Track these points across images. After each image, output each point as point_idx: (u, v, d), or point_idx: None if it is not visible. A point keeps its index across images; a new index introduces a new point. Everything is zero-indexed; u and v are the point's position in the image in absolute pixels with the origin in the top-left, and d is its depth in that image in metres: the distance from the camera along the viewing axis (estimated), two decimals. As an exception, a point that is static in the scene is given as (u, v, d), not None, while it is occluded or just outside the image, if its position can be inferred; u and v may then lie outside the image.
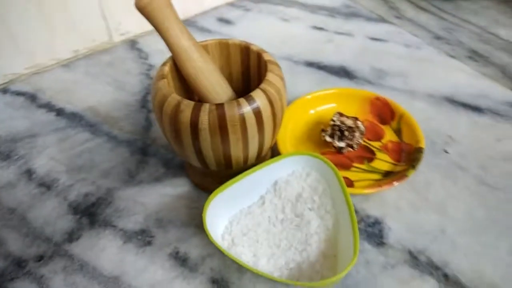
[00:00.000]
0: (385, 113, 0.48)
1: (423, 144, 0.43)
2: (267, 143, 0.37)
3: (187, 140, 0.34)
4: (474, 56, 0.59)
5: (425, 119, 0.48)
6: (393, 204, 0.41)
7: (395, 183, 0.39)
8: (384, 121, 0.48)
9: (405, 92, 0.53)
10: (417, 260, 0.36)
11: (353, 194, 0.40)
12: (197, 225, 0.39)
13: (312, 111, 0.49)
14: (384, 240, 0.38)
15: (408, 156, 0.43)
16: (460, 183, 0.42)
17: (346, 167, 0.43)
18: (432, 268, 0.36)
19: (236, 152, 0.35)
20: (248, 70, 0.41)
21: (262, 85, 0.35)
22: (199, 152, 0.35)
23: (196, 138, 0.34)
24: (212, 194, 0.35)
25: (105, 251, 0.38)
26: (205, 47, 0.40)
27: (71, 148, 0.48)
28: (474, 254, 0.37)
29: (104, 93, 0.54)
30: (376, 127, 0.47)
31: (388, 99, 0.48)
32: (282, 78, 0.37)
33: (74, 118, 0.51)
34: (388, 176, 0.42)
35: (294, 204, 0.37)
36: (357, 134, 0.43)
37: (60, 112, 0.52)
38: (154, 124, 0.50)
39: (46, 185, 0.44)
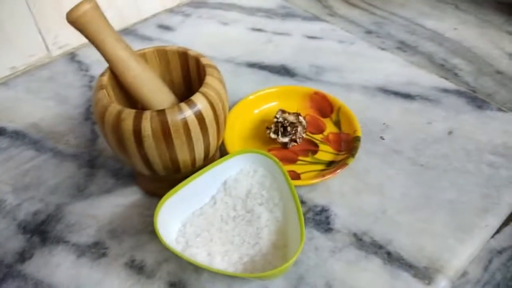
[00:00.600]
0: (324, 107, 0.51)
1: (359, 133, 0.46)
2: (213, 145, 0.39)
3: (132, 148, 0.35)
4: (403, 46, 0.63)
5: (361, 110, 0.51)
6: (337, 191, 0.43)
7: (337, 172, 0.42)
8: (324, 115, 0.50)
9: (341, 86, 0.56)
10: (362, 242, 0.39)
11: (300, 186, 0.42)
12: (151, 231, 0.40)
13: (256, 111, 0.51)
14: (331, 226, 0.40)
15: (347, 145, 0.46)
16: (396, 166, 0.46)
17: (292, 161, 0.46)
18: (376, 247, 0.39)
19: (182, 156, 0.36)
20: (188, 76, 0.42)
21: (202, 89, 0.36)
22: (145, 159, 0.36)
23: (141, 146, 0.35)
24: (162, 200, 0.36)
25: (59, 267, 0.38)
26: (142, 56, 0.40)
27: (16, 167, 0.46)
28: (413, 230, 0.40)
29: (46, 108, 0.53)
30: (317, 120, 0.50)
31: (326, 94, 0.51)
32: (221, 81, 0.38)
33: (17, 137, 0.50)
34: (331, 165, 0.45)
35: (244, 201, 0.39)
36: (299, 128, 0.46)
37: (1, 131, 0.51)
38: (99, 136, 0.50)
39: (-9, 208, 0.43)
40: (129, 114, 0.34)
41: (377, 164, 0.46)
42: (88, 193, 0.44)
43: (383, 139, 0.49)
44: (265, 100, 0.51)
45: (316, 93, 0.51)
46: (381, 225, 0.40)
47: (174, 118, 0.34)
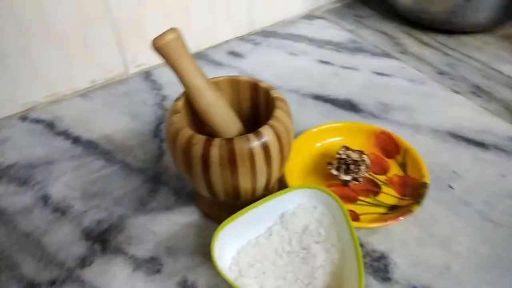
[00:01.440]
0: (390, 147, 0.49)
1: (427, 179, 0.44)
2: (275, 176, 0.39)
3: (198, 171, 0.36)
4: (477, 91, 0.61)
5: (429, 154, 0.49)
6: (399, 239, 0.41)
7: (401, 218, 0.40)
8: (389, 155, 0.49)
9: (409, 126, 0.54)
10: (421, 295, 0.37)
11: (359, 228, 0.41)
12: (205, 254, 0.40)
13: (318, 144, 0.50)
14: (390, 275, 0.39)
15: (413, 191, 0.44)
16: (465, 219, 0.43)
17: (351, 200, 0.44)
18: (436, 303, 0.36)
19: (244, 184, 0.37)
20: (257, 106, 0.43)
21: (270, 121, 0.36)
22: (208, 183, 0.37)
23: (207, 170, 0.35)
24: (220, 226, 0.36)
25: (116, 278, 0.39)
26: (216, 84, 0.42)
27: (86, 175, 0.49)
28: (478, 290, 0.37)
29: (119, 122, 0.57)
30: (382, 160, 0.49)
31: (392, 134, 0.49)
32: (289, 114, 0.39)
33: (90, 146, 0.53)
34: (393, 210, 0.43)
35: (300, 237, 0.38)
36: (362, 167, 0.45)
37: (76, 140, 0.54)
38: (166, 153, 0.52)
39: (61, 211, 0.45)
40: (199, 140, 0.35)
41: (444, 214, 0.44)
42: (150, 208, 0.45)
43: (452, 188, 0.46)
44: (329, 134, 0.51)
45: (382, 132, 0.50)
46: (444, 282, 0.38)
47: (242, 147, 0.34)
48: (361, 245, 0.41)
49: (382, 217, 0.42)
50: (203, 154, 0.35)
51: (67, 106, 0.60)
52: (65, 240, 0.42)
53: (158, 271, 0.40)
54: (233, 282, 0.34)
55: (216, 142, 0.35)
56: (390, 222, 0.40)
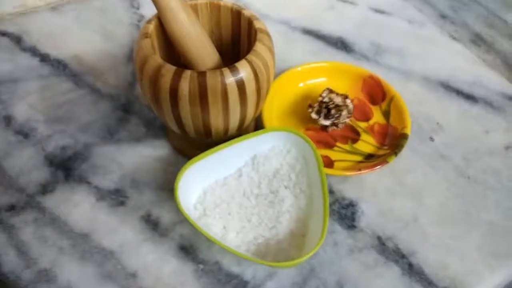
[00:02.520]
0: (376, 93, 0.47)
1: (408, 130, 0.42)
2: (250, 116, 0.36)
3: (166, 105, 0.33)
4: (477, 40, 0.57)
5: (416, 102, 0.47)
6: (370, 187, 0.41)
7: (375, 168, 0.39)
8: (374, 101, 0.47)
9: (400, 72, 0.51)
10: (384, 246, 0.37)
11: (331, 175, 0.40)
12: (172, 190, 0.39)
13: (301, 84, 0.47)
14: (355, 223, 0.38)
15: (392, 141, 0.42)
16: (440, 173, 0.42)
17: (329, 145, 0.43)
18: (398, 255, 0.36)
19: (216, 122, 0.35)
20: (238, 35, 0.39)
21: (249, 56, 0.33)
22: (178, 119, 0.34)
23: (175, 105, 0.33)
24: (187, 164, 0.35)
25: (78, 207, 0.38)
26: (194, 7, 0.38)
27: (52, 98, 0.46)
28: (442, 246, 0.37)
29: (91, 42, 0.52)
30: (365, 106, 0.46)
31: (381, 79, 0.47)
32: (271, 50, 0.35)
33: (58, 66, 0.49)
34: (369, 159, 0.42)
35: (270, 180, 0.37)
36: (344, 113, 0.42)
37: (44, 58, 0.50)
38: (139, 81, 0.48)
39: (24, 134, 0.43)
40: (168, 71, 0.32)
41: (420, 166, 0.42)
42: (117, 138, 0.43)
43: (433, 140, 0.45)
44: (314, 74, 0.48)
45: (371, 76, 0.47)
46: (409, 233, 0.38)
47: (214, 83, 0.32)
48: (331, 192, 0.40)
49: (357, 166, 0.41)
50: (171, 87, 0.32)
51: (36, 20, 0.55)
52: (27, 164, 0.41)
53: (122, 203, 0.39)
54: (194, 221, 0.33)
55: (187, 74, 0.32)
56: (363, 171, 0.39)
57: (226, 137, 0.37)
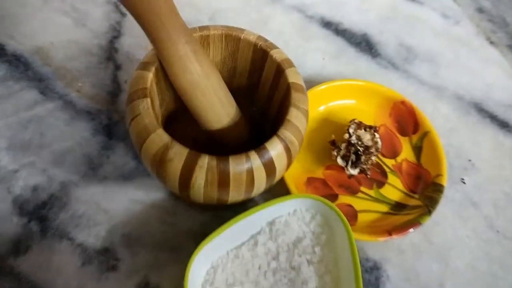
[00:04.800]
0: (407, 122, 0.40)
1: (444, 180, 0.37)
2: (275, 182, 0.30)
3: (173, 187, 0.26)
4: (517, 45, 0.50)
5: (448, 132, 0.41)
6: (396, 245, 0.36)
7: (407, 232, 0.34)
8: (403, 132, 0.40)
9: (432, 88, 0.44)
10: (409, 319, 0.34)
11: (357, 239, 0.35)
12: (173, 248, 0.34)
13: (322, 108, 0.40)
14: (379, 291, 0.35)
15: (424, 189, 0.37)
16: (469, 225, 0.38)
17: (352, 191, 0.37)
18: (422, 330, 0.34)
19: (235, 199, 0.28)
20: (259, 73, 0.31)
21: (281, 131, 0.26)
22: (187, 197, 0.27)
23: (186, 189, 0.26)
24: (198, 248, 0.29)
25: (60, 273, 0.32)
26: (205, 37, 0.28)
27: (15, 112, 0.37)
28: (467, 317, 0.35)
29: (59, 27, 0.41)
30: (393, 138, 0.40)
31: (415, 107, 0.40)
32: (306, 114, 0.27)
33: (18, 64, 0.39)
34: (398, 210, 0.37)
35: (291, 252, 0.32)
36: (373, 153, 0.36)
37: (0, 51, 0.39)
38: (123, 89, 0.39)
39: (-18, 166, 0.35)
40: (179, 155, 0.24)
41: (449, 217, 0.38)
42: (102, 175, 0.36)
43: (464, 182, 0.40)
44: (337, 94, 0.40)
45: (403, 102, 0.40)
46: (434, 303, 0.35)
47: (238, 169, 0.24)
48: (354, 252, 0.36)
49: (384, 222, 0.36)
50: (182, 175, 0.24)
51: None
52: (-10, 213, 0.33)
53: (113, 267, 0.33)
54: None
55: (204, 162, 0.24)
56: (394, 236, 0.34)
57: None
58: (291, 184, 0.35)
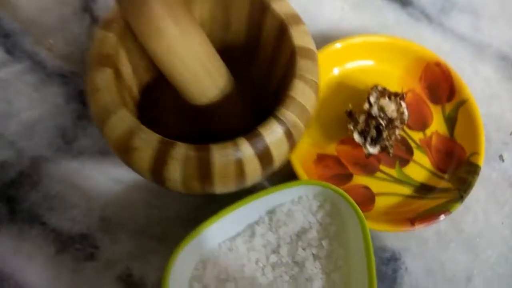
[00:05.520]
0: (441, 88, 0.33)
1: (481, 159, 0.31)
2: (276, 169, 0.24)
3: (146, 178, 0.21)
4: None
5: (487, 98, 0.35)
6: (418, 233, 0.31)
7: (432, 222, 0.29)
8: (435, 99, 0.34)
9: (472, 45, 0.37)
10: (429, 318, 0.30)
11: (373, 229, 0.30)
12: (159, 235, 0.29)
13: (336, 71, 0.33)
14: (397, 286, 0.30)
15: (455, 169, 0.32)
16: (505, 210, 0.33)
17: (370, 170, 0.32)
18: (444, 331, 0.29)
19: (223, 191, 0.23)
20: (259, 30, 0.24)
21: (282, 110, 0.20)
22: (165, 188, 0.22)
23: (161, 183, 0.21)
24: (184, 241, 0.24)
25: (32, 261, 0.28)
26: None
27: (-24, 74, 0.32)
28: (497, 317, 0.30)
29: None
30: (423, 106, 0.34)
31: (451, 70, 0.33)
32: (316, 87, 0.21)
33: (-21, 17, 0.33)
34: (423, 193, 0.31)
35: (294, 244, 0.27)
36: (397, 128, 0.30)
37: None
38: (103, 47, 0.33)
39: None
40: (146, 144, 0.19)
41: (483, 200, 0.33)
42: (77, 149, 0.31)
43: (503, 160, 0.34)
44: (356, 54, 0.33)
45: (438, 63, 0.33)
46: (460, 300, 0.30)
47: (223, 161, 0.19)
48: (369, 241, 0.31)
49: (406, 208, 0.30)
50: (153, 169, 0.19)
51: None
52: (-49, 193, 0.29)
53: (91, 256, 0.29)
54: None
55: (178, 152, 0.19)
56: (417, 226, 0.29)
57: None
58: (297, 164, 0.29)
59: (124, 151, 0.19)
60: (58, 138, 0.31)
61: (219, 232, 0.27)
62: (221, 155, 0.19)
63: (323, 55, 0.32)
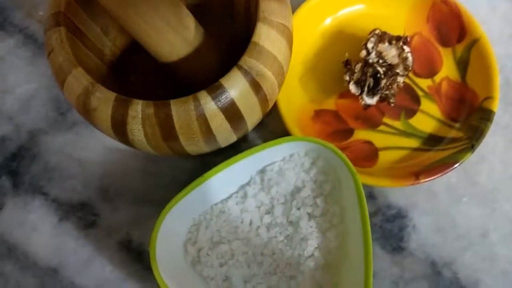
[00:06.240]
0: (451, 28, 0.30)
1: (495, 104, 0.28)
2: (253, 126, 0.23)
3: (112, 138, 0.21)
4: None
5: (506, 39, 0.31)
6: (426, 188, 0.29)
7: (439, 175, 0.27)
8: (445, 41, 0.31)
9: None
10: (439, 276, 0.28)
11: (374, 185, 0.28)
12: (157, 201, 0.29)
13: (328, 20, 0.31)
14: (404, 244, 0.29)
15: (467, 116, 0.29)
16: (529, 159, 0.30)
17: (372, 123, 0.30)
18: (456, 288, 0.28)
19: (198, 151, 0.22)
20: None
21: (245, 59, 0.19)
22: (137, 149, 0.22)
23: (128, 143, 0.20)
24: (168, 206, 0.24)
25: (37, 231, 0.29)
26: None
27: (-28, 51, 0.32)
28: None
29: None
30: (432, 50, 0.31)
31: (460, 6, 0.30)
32: (284, 30, 0.20)
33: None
34: (432, 145, 0.29)
35: (288, 203, 0.26)
36: (399, 74, 0.28)
37: None
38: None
39: None
40: (104, 102, 0.18)
41: (501, 149, 0.30)
42: (72, 121, 0.31)
43: (525, 104, 0.31)
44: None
45: (445, 1, 0.30)
46: (474, 256, 0.28)
47: (185, 117, 0.18)
48: (372, 197, 0.29)
49: (412, 161, 0.28)
50: (115, 126, 0.19)
51: None
52: (-41, 168, 0.30)
53: (92, 223, 0.29)
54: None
55: (136, 109, 0.18)
56: (422, 180, 0.27)
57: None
58: (289, 121, 0.28)
59: (85, 112, 0.19)
60: (53, 111, 0.31)
61: (211, 195, 0.26)
62: (181, 110, 0.18)
63: (313, 5, 0.30)
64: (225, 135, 0.20)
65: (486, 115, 0.28)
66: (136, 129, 0.18)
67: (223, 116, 0.19)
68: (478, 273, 0.28)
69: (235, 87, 0.18)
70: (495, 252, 0.28)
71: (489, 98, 0.28)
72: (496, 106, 0.28)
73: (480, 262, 0.28)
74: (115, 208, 0.29)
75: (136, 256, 0.29)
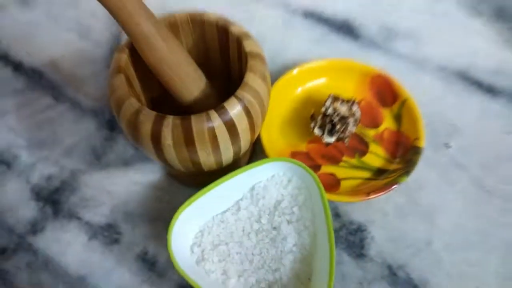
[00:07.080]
0: (386, 94, 0.42)
1: (422, 142, 0.38)
2: (244, 148, 0.33)
3: (149, 149, 0.30)
4: (502, 15, 0.50)
5: (431, 100, 0.42)
6: (380, 208, 0.38)
7: (384, 192, 0.36)
8: (384, 103, 0.42)
9: (414, 62, 0.46)
10: (395, 277, 0.35)
11: (336, 201, 0.37)
12: (168, 222, 0.37)
13: (299, 90, 0.43)
14: (365, 252, 0.36)
15: (404, 153, 0.39)
16: (457, 187, 0.39)
17: (334, 160, 0.39)
18: (410, 286, 0.34)
19: (207, 161, 0.31)
20: (227, 52, 0.34)
21: (239, 92, 0.29)
22: (164, 161, 0.31)
23: (159, 150, 0.29)
24: (179, 211, 0.32)
25: (70, 247, 0.36)
26: (173, 23, 0.32)
27: (31, 116, 0.43)
28: (458, 273, 0.35)
29: (65, 42, 0.47)
30: (375, 109, 0.42)
31: (390, 78, 0.42)
32: (264, 77, 0.31)
33: (34, 75, 0.45)
34: (379, 175, 0.38)
35: (271, 213, 0.34)
36: (350, 124, 0.38)
37: (18, 67, 0.46)
38: (124, 89, 0.44)
39: (7, 163, 0.40)
40: (147, 117, 0.28)
41: (434, 180, 0.39)
42: (105, 162, 0.40)
43: (450, 146, 0.41)
44: (313, 75, 0.43)
45: (379, 75, 0.42)
46: (422, 260, 0.35)
47: (200, 128, 0.28)
48: (338, 216, 0.37)
49: (366, 185, 0.37)
50: (153, 135, 0.28)
51: (5, 18, 0.49)
52: (13, 199, 0.38)
53: (116, 240, 0.36)
54: (194, 282, 0.30)
55: (168, 121, 0.28)
56: (372, 196, 0.36)
57: (221, 169, 0.34)
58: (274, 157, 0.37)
59: (133, 127, 0.28)
60: (91, 155, 0.40)
61: (212, 208, 0.34)
62: (198, 122, 0.27)
63: (286, 79, 0.41)
64: (226, 146, 0.29)
65: (416, 150, 0.38)
66: (167, 135, 0.27)
67: (225, 129, 0.28)
68: (428, 274, 0.35)
69: (233, 109, 0.28)
70: (440, 257, 0.35)
71: (417, 138, 0.38)
72: (423, 143, 0.38)
73: (428, 265, 0.35)
74: (135, 228, 0.37)
75: (150, 265, 0.35)
